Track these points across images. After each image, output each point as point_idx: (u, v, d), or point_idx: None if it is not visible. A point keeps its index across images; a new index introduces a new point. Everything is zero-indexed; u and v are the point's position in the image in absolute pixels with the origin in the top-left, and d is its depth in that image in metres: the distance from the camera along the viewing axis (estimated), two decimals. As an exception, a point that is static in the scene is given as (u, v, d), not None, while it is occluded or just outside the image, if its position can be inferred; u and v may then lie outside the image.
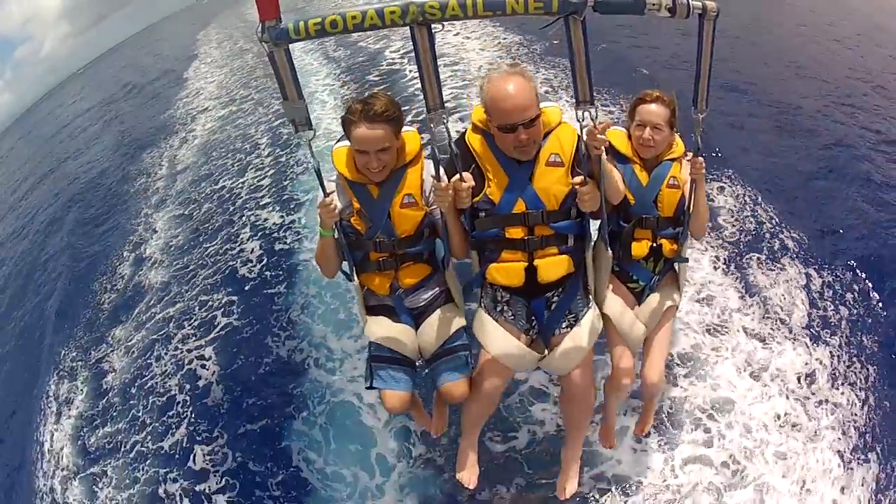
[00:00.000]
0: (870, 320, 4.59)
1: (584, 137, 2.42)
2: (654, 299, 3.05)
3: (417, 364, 2.92)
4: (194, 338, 6.09)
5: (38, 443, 5.82)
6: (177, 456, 4.84)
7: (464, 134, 2.68)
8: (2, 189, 19.22)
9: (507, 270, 2.62)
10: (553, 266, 2.62)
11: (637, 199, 2.89)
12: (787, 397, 4.09)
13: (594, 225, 2.82)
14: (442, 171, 2.51)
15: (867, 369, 4.21)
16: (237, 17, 31.27)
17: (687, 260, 3.08)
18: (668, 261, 3.05)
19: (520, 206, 2.55)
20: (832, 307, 4.74)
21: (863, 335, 4.48)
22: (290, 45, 2.17)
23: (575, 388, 2.74)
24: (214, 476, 4.55)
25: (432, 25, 2.18)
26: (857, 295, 4.80)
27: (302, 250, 6.86)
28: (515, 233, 2.58)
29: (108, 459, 5.17)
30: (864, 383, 4.13)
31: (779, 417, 3.98)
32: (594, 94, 2.34)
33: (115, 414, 5.65)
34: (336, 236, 2.63)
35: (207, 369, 5.58)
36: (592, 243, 2.78)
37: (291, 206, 7.88)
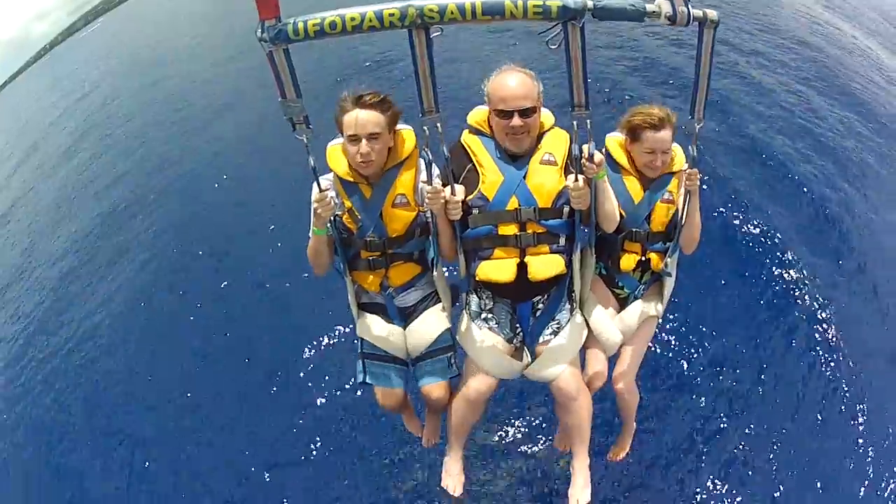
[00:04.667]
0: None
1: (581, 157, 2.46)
2: (636, 308, 3.02)
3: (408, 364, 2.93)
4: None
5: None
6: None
7: (459, 137, 2.70)
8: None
9: (499, 266, 2.62)
10: (544, 264, 2.61)
11: (628, 213, 2.83)
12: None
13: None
14: (436, 171, 2.54)
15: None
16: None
17: (671, 275, 2.99)
18: (656, 273, 3.00)
19: (513, 203, 2.56)
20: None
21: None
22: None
23: (564, 394, 2.71)
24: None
25: (430, 29, 2.18)
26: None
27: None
28: (508, 229, 2.58)
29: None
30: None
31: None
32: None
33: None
34: (329, 234, 2.62)
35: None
36: (580, 248, 2.76)
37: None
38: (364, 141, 2.44)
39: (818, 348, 4.85)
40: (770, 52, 9.94)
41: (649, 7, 2.19)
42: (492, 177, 2.57)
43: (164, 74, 17.20)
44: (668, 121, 2.71)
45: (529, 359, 2.80)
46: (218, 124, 11.31)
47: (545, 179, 2.56)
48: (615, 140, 2.90)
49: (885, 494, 3.99)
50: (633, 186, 2.85)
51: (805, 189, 6.49)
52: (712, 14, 2.25)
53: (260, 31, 2.11)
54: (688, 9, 2.21)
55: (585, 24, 2.17)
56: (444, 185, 2.54)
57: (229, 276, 6.39)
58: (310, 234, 2.64)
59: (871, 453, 4.20)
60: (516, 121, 2.48)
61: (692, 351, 4.78)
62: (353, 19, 2.11)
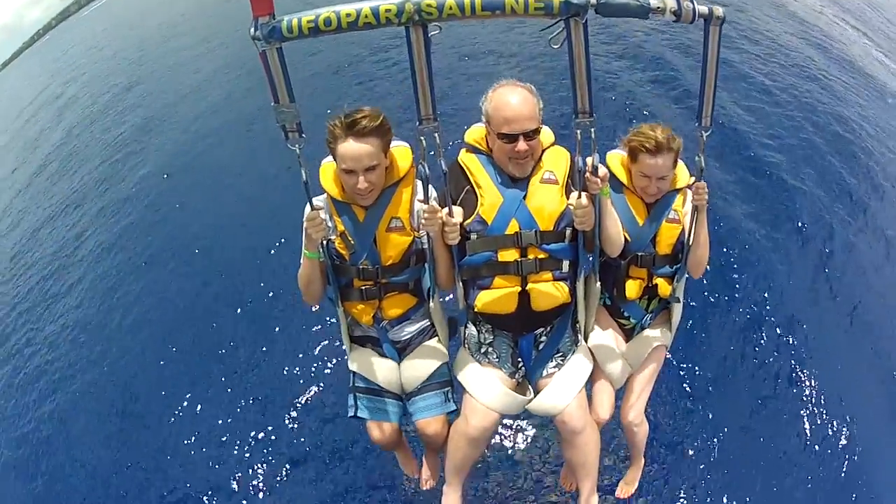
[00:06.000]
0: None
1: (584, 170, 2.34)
2: (643, 338, 2.84)
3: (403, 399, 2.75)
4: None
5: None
6: None
7: (456, 156, 2.59)
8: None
9: (500, 297, 2.46)
10: (547, 293, 2.47)
11: (633, 236, 2.65)
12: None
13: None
14: (433, 191, 2.40)
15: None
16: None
17: (679, 300, 2.80)
18: (663, 300, 2.81)
19: (513, 227, 2.42)
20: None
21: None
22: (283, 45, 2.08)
23: (569, 429, 2.52)
24: None
25: (429, 27, 2.11)
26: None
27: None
28: (508, 255, 2.43)
29: None
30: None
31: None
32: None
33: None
34: (322, 259, 2.46)
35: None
36: (583, 275, 2.59)
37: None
38: (362, 176, 2.30)
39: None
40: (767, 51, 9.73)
41: (654, 3, 2.12)
42: (490, 198, 2.44)
43: (158, 59, 17.08)
44: (666, 146, 2.50)
45: (532, 393, 2.61)
46: (216, 109, 11.16)
47: (546, 200, 2.44)
48: (617, 157, 2.72)
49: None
50: (637, 206, 2.67)
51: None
52: (718, 10, 2.19)
53: (253, 28, 2.03)
54: (693, 4, 2.15)
55: (589, 21, 2.10)
56: (442, 208, 2.40)
57: (219, 294, 6.09)
58: (301, 261, 2.50)
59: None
60: (521, 145, 2.36)
61: (704, 379, 4.56)
62: (348, 15, 2.04)
